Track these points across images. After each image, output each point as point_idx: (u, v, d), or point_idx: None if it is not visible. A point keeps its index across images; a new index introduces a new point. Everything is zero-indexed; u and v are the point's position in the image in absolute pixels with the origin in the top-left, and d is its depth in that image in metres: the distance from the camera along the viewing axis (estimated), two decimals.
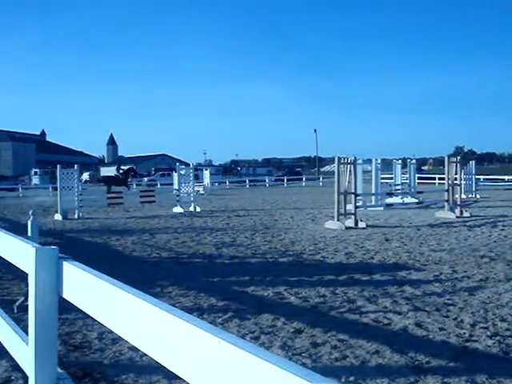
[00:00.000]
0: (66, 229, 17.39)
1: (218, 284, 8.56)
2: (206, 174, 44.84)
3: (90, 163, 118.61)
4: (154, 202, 26.06)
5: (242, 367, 1.44)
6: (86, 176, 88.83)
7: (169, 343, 1.87)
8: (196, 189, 27.75)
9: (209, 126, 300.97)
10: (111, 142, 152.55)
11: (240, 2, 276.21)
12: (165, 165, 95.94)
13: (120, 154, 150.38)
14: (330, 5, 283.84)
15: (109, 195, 25.62)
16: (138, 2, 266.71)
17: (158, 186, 52.71)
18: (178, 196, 24.65)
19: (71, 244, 13.45)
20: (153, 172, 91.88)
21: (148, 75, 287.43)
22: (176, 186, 26.01)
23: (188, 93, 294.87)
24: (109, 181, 28.73)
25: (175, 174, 28.21)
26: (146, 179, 79.06)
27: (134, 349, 5.03)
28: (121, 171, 29.60)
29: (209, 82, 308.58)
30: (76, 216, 21.13)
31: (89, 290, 2.61)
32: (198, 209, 24.32)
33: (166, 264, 10.58)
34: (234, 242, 13.49)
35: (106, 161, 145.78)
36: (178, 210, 23.78)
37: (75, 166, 22.25)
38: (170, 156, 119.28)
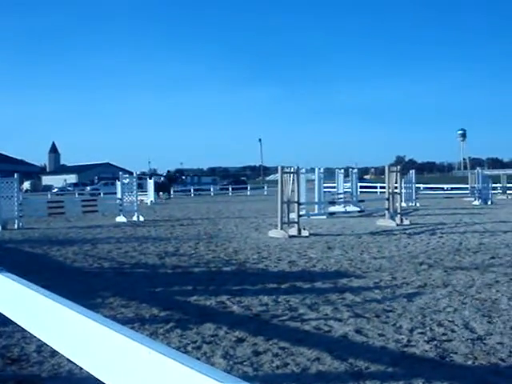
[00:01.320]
0: (4, 239, 16.95)
1: (160, 294, 8.48)
2: (151, 183, 44.28)
3: (31, 172, 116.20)
4: (96, 211, 25.66)
5: (171, 376, 1.46)
6: (27, 185, 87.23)
7: (102, 354, 1.86)
8: (140, 198, 27.48)
9: (154, 134, 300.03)
10: (53, 150, 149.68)
11: (184, 4, 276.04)
12: (108, 173, 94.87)
13: (62, 162, 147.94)
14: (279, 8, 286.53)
15: (49, 205, 25.25)
16: (81, 10, 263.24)
17: (101, 195, 51.94)
18: (120, 205, 24.35)
19: (10, 255, 13.12)
20: (96, 181, 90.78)
21: (92, 83, 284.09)
22: (119, 195, 25.69)
23: (133, 101, 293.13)
24: (158, 187, 29.35)
25: (118, 183, 27.88)
26: (88, 188, 78.15)
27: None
28: (162, 178, 30.06)
29: (153, 90, 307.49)
30: (16, 226, 20.65)
31: (22, 302, 2.57)
32: (142, 218, 24.09)
33: (107, 274, 10.42)
34: (178, 251, 13.41)
35: (47, 169, 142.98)
36: (120, 219, 23.49)
37: (15, 174, 21.72)
38: (113, 165, 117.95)
